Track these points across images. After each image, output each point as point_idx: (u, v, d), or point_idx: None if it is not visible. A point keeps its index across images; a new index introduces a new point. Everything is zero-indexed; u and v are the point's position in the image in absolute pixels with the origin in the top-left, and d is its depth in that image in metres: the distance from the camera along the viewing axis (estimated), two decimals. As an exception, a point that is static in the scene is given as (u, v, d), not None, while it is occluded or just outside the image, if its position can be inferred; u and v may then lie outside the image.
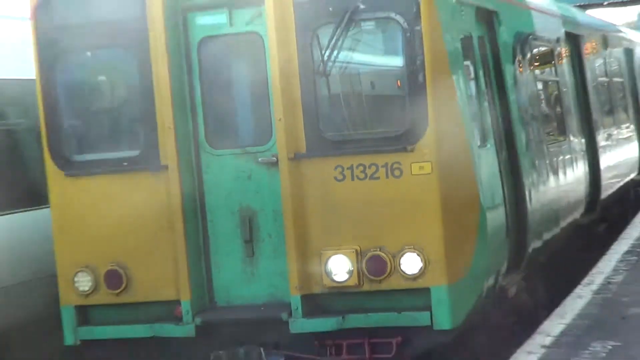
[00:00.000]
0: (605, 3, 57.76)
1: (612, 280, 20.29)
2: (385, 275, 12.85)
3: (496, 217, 15.23)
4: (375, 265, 12.86)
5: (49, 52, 14.15)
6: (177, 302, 13.48)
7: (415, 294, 12.95)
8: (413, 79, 13.05)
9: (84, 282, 13.75)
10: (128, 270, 13.66)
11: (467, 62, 15.01)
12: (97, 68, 14.78)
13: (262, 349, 13.14)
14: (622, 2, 52.78)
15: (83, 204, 13.97)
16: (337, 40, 13.01)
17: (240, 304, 13.75)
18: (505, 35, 17.28)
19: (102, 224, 13.83)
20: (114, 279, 13.66)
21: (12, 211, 16.70)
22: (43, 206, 14.99)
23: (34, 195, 15.94)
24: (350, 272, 12.91)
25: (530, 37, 19.53)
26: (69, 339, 14.01)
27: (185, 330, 13.41)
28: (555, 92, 21.43)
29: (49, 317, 14.85)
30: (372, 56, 14.46)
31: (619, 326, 16.17)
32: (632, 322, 16.46)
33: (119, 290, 13.65)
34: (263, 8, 13.17)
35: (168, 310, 13.63)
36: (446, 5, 14.06)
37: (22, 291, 16.14)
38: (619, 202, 28.60)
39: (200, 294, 13.71)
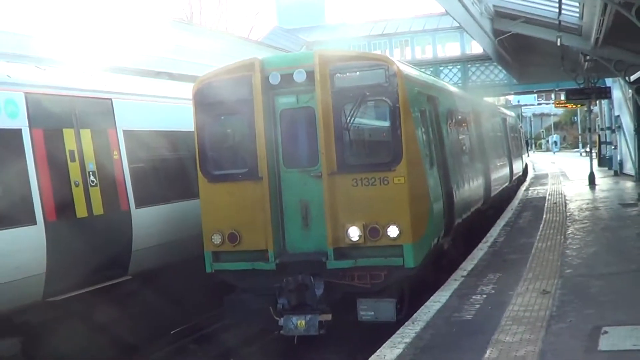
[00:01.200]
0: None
1: (498, 240, 22.95)
2: (379, 237, 15.36)
3: (438, 206, 17.45)
4: (373, 232, 15.38)
5: (201, 116, 16.56)
6: (266, 250, 15.91)
7: (394, 248, 15.37)
8: (394, 132, 15.53)
9: (216, 238, 16.25)
10: (240, 233, 16.11)
11: (422, 123, 17.17)
12: (226, 124, 17.01)
13: (311, 277, 15.56)
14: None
15: (217, 197, 16.42)
16: (354, 111, 15.49)
17: (300, 251, 16.02)
18: (441, 108, 19.54)
19: (227, 208, 16.30)
20: (233, 237, 16.17)
21: (185, 199, 19.22)
22: (197, 198, 17.02)
23: (194, 192, 17.46)
24: (360, 236, 15.41)
25: (454, 110, 22.08)
26: (208, 269, 16.52)
27: (270, 265, 15.87)
28: (467, 139, 24.00)
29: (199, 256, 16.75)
30: (372, 120, 16.53)
31: (502, 265, 18.73)
32: (509, 262, 18.91)
33: (235, 244, 16.18)
34: (314, 94, 15.63)
35: (261, 255, 15.99)
36: (412, 93, 16.36)
37: (187, 242, 18.38)
38: (500, 198, 31.89)
39: (278, 246, 15.97)
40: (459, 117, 23.33)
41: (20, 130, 15.08)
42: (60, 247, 15.42)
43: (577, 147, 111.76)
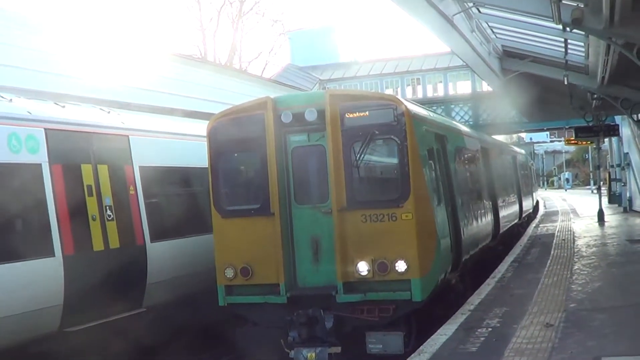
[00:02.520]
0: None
1: (506, 275, 22.95)
2: (387, 272, 15.56)
3: (445, 242, 17.48)
4: (382, 266, 15.58)
5: (215, 153, 16.81)
6: (277, 284, 16.04)
7: (402, 283, 15.55)
8: (402, 170, 15.79)
9: (229, 272, 16.46)
10: (252, 267, 16.31)
11: (430, 161, 17.33)
12: (240, 161, 17.41)
13: (321, 310, 15.72)
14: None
15: (230, 232, 16.63)
16: (363, 150, 15.75)
17: (310, 285, 16.23)
18: (450, 146, 19.64)
19: (239, 243, 16.52)
20: (245, 271, 16.37)
21: (199, 234, 19.46)
22: (210, 233, 17.11)
23: (207, 226, 17.56)
24: (369, 270, 15.63)
25: (463, 148, 22.25)
26: (221, 302, 16.62)
27: (281, 299, 15.98)
28: (476, 176, 24.17)
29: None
30: (381, 157, 16.69)
31: (508, 299, 18.65)
32: (515, 297, 18.86)
33: (247, 278, 16.37)
34: (325, 133, 15.94)
35: (272, 288, 16.11)
36: (420, 132, 16.51)
37: (202, 274, 18.41)
38: (509, 234, 31.89)
39: (289, 280, 16.15)
40: (468, 154, 23.52)
41: (40, 165, 15.52)
42: (78, 279, 15.78)
43: (589, 185, 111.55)
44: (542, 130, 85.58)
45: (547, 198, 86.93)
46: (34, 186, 15.37)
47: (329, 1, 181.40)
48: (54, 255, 15.39)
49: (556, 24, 19.14)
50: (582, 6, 18.04)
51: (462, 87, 68.00)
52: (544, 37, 27.46)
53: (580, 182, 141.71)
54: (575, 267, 23.96)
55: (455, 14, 22.95)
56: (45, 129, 15.84)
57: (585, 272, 22.74)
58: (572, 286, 20.18)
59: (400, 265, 15.60)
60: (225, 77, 38.18)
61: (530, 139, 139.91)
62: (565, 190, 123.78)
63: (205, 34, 77.67)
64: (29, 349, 15.05)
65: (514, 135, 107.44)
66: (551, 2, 17.20)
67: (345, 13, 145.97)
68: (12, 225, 15.14)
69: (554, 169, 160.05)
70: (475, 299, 19.09)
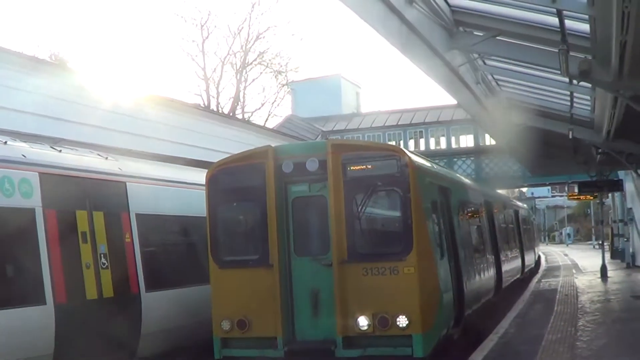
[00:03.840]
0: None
1: (509, 331, 22.47)
2: (388, 327, 15.14)
3: (447, 296, 17.31)
4: (382, 321, 15.18)
5: (214, 201, 16.70)
6: (275, 338, 15.73)
7: (404, 338, 15.13)
8: (405, 222, 15.56)
9: (225, 324, 16.13)
10: (249, 319, 15.96)
11: (434, 214, 17.14)
12: (239, 210, 17.23)
13: (320, 366, 15.44)
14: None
15: (227, 283, 16.38)
16: (365, 201, 15.58)
17: (309, 339, 15.84)
18: (453, 200, 19.44)
19: (236, 294, 16.24)
20: (242, 324, 16.02)
21: (195, 284, 18.92)
22: (207, 283, 16.90)
23: (204, 277, 17.23)
24: (369, 325, 15.23)
25: (466, 201, 22.19)
26: (217, 355, 16.31)
27: (279, 353, 15.67)
28: (479, 230, 24.07)
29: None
30: (383, 209, 16.58)
31: (512, 356, 18.48)
32: (520, 354, 18.68)
33: (244, 330, 16.02)
34: (326, 183, 15.73)
35: (270, 342, 15.80)
36: (424, 184, 16.32)
37: (198, 326, 18.07)
38: (511, 289, 31.57)
39: (287, 333, 15.80)
40: (471, 208, 23.40)
41: (33, 209, 15.22)
42: (69, 328, 15.38)
43: (591, 240, 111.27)
44: (544, 184, 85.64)
45: (549, 253, 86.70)
46: (27, 231, 15.04)
47: (333, 52, 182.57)
48: (45, 303, 14.98)
49: (563, 76, 19.00)
50: (590, 58, 17.88)
51: (465, 140, 67.92)
52: (549, 90, 27.35)
53: (581, 237, 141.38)
54: (580, 324, 23.59)
55: (461, 65, 22.81)
56: (39, 173, 15.55)
57: (590, 329, 22.38)
58: (577, 343, 19.86)
59: (402, 320, 15.21)
60: (228, 126, 38.20)
61: (532, 193, 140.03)
62: (567, 245, 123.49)
63: (208, 83, 77.85)
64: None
65: (515, 190, 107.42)
66: (559, 54, 16.98)
67: (350, 64, 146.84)
68: (3, 271, 14.70)
69: (556, 223, 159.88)
70: (477, 356, 18.72)
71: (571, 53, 17.20)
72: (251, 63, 79.13)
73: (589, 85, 21.61)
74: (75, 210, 16.49)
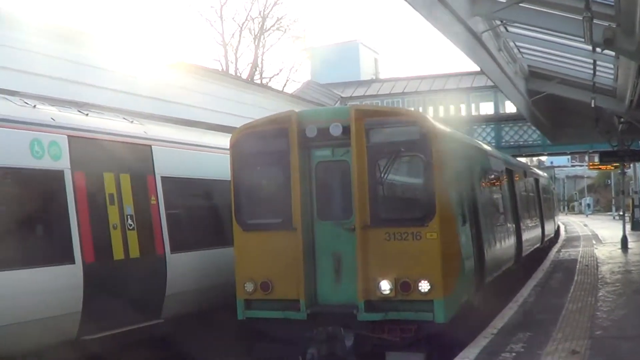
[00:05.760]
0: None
1: (528, 300, 22.67)
2: (410, 292, 15.43)
3: (469, 263, 17.54)
4: (404, 286, 15.47)
5: (238, 165, 16.95)
6: (297, 300, 16.03)
7: (425, 303, 15.39)
8: (427, 188, 15.75)
9: (249, 286, 16.50)
10: (272, 282, 16.33)
11: (456, 181, 17.20)
12: (262, 174, 17.22)
13: (341, 328, 15.58)
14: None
15: (251, 246, 16.71)
16: (388, 167, 15.75)
17: (331, 303, 16.17)
18: (475, 167, 19.97)
19: (260, 257, 16.55)
20: (265, 286, 16.38)
21: (219, 247, 19.34)
22: (230, 246, 17.28)
23: (228, 239, 17.61)
24: (391, 289, 15.49)
25: (487, 168, 22.26)
26: (240, 316, 16.68)
27: (301, 315, 15.95)
28: (500, 198, 24.02)
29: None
30: (406, 175, 16.77)
31: (532, 324, 18.42)
32: (539, 322, 18.66)
33: (267, 292, 16.39)
34: (350, 148, 15.90)
35: (292, 304, 16.08)
36: (446, 151, 16.29)
37: (221, 287, 18.36)
38: (531, 258, 31.63)
39: (310, 296, 16.11)
40: (492, 175, 23.48)
41: (62, 172, 15.60)
42: (97, 288, 15.78)
43: (611, 210, 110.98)
44: (565, 153, 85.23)
45: (568, 223, 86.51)
46: (56, 192, 15.45)
47: (351, 18, 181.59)
48: (74, 263, 15.42)
49: (587, 44, 19.06)
50: (615, 26, 17.97)
51: (485, 108, 67.70)
52: (572, 58, 27.45)
53: (601, 207, 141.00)
54: (600, 294, 23.71)
55: (483, 32, 22.95)
56: (68, 136, 15.93)
57: (611, 299, 22.51)
58: (597, 313, 19.98)
59: (424, 285, 15.47)
60: (248, 91, 38.22)
61: (551, 162, 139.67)
62: (586, 215, 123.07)
63: (227, 49, 77.86)
64: (46, 355, 15.05)
65: (534, 159, 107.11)
66: (583, 22, 17.10)
67: (368, 30, 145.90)
68: (34, 231, 15.21)
69: (575, 193, 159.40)
70: (498, 323, 18.95)
71: (595, 21, 17.18)
72: (269, 29, 79.16)
73: (613, 53, 21.69)
74: (102, 172, 16.80)
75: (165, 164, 18.88)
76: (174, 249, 18.47)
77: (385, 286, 15.67)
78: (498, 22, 23.68)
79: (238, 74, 73.65)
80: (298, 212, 16.21)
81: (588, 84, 29.72)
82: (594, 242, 51.50)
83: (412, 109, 61.83)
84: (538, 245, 35.90)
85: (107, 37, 29.58)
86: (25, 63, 21.87)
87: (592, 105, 29.73)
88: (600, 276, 28.94)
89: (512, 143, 62.57)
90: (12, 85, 18.80)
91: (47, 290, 14.79)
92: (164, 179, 18.66)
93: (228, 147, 17.40)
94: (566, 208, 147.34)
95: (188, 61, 42.07)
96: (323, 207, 16.61)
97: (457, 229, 16.92)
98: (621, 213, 53.48)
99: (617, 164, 48.54)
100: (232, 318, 16.99)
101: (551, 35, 23.71)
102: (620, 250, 41.62)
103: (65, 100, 18.88)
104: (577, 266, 33.62)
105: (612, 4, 17.23)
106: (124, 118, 18.92)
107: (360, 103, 63.52)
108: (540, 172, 48.53)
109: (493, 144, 56.34)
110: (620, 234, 43.67)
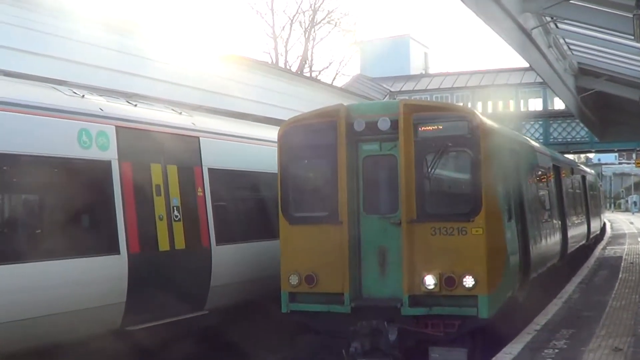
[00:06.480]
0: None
1: (573, 297, 22.37)
2: (454, 287, 15.30)
3: (514, 259, 17.26)
4: (449, 281, 15.32)
5: (285, 158, 16.85)
6: (342, 294, 15.90)
7: (469, 298, 15.29)
8: (474, 184, 15.63)
9: (294, 279, 16.36)
10: (317, 275, 16.21)
11: (503, 176, 16.99)
12: (309, 168, 17.16)
13: (385, 322, 15.42)
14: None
15: (297, 239, 16.60)
16: (435, 162, 15.63)
17: (375, 297, 16.04)
18: (522, 163, 19.68)
19: (305, 250, 16.43)
20: (310, 279, 16.26)
21: (264, 239, 19.40)
22: (276, 239, 17.23)
23: (273, 232, 17.83)
24: (435, 284, 15.35)
25: (535, 165, 22.11)
26: (284, 309, 16.57)
27: (345, 308, 15.84)
28: (547, 195, 23.73)
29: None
30: (453, 170, 16.54)
31: (576, 321, 18.21)
32: (583, 319, 18.43)
33: (312, 285, 16.26)
34: (398, 143, 15.77)
35: (336, 297, 15.97)
36: (494, 146, 16.22)
37: (266, 280, 18.29)
38: (576, 255, 31.26)
39: (355, 290, 15.99)
40: (539, 172, 23.28)
41: (110, 162, 15.62)
42: (141, 278, 15.79)
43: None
44: (612, 151, 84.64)
45: (614, 220, 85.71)
46: (103, 183, 15.46)
47: (402, 12, 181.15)
48: (119, 253, 15.42)
49: (636, 41, 18.74)
50: (665, 23, 17.61)
51: (534, 104, 67.14)
52: (622, 56, 27.02)
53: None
54: (645, 292, 23.34)
55: (534, 28, 22.65)
56: (116, 127, 15.92)
57: (655, 297, 22.13)
58: (641, 311, 19.67)
59: (468, 281, 15.32)
60: (297, 84, 38.14)
61: (599, 160, 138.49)
62: (633, 213, 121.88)
63: (277, 41, 77.91)
64: (91, 345, 14.95)
65: (582, 156, 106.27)
66: (633, 19, 16.79)
67: (419, 24, 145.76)
68: (79, 221, 15.23)
69: (622, 191, 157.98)
70: (541, 319, 18.69)
71: (644, 17, 16.96)
72: (320, 22, 79.12)
73: (662, 51, 21.36)
74: (149, 163, 16.81)
75: (213, 156, 18.81)
76: (219, 241, 18.40)
77: (429, 281, 15.54)
78: (548, 19, 23.36)
79: (288, 67, 73.67)
80: (344, 206, 16.08)
81: (637, 81, 29.31)
82: (639, 239, 50.95)
83: (461, 104, 61.45)
84: (583, 242, 35.55)
85: (157, 28, 29.52)
86: (75, 53, 21.85)
87: (641, 103, 29.36)
88: (645, 274, 28.46)
89: (559, 140, 62.07)
90: (61, 75, 18.78)
91: (92, 280, 14.81)
92: (211, 170, 18.60)
93: (276, 139, 17.29)
94: (613, 205, 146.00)
95: (238, 53, 42.02)
96: (369, 201, 16.44)
97: (503, 225, 16.68)
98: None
99: (664, 162, 48.04)
100: (276, 311, 16.91)
101: (601, 33, 23.36)
102: (666, 249, 41.05)
103: (114, 90, 18.84)
104: (622, 264, 33.16)
105: (663, 1, 16.81)
106: (173, 109, 18.89)
107: (409, 97, 63.26)
108: (587, 169, 48.12)
109: (541, 141, 55.86)
110: (667, 231, 43.21)
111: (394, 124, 15.90)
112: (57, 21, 21.63)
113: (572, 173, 33.90)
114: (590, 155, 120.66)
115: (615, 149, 77.11)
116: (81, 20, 22.39)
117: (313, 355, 16.91)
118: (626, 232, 62.04)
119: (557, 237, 24.90)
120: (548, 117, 63.49)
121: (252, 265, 19.29)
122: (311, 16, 78.15)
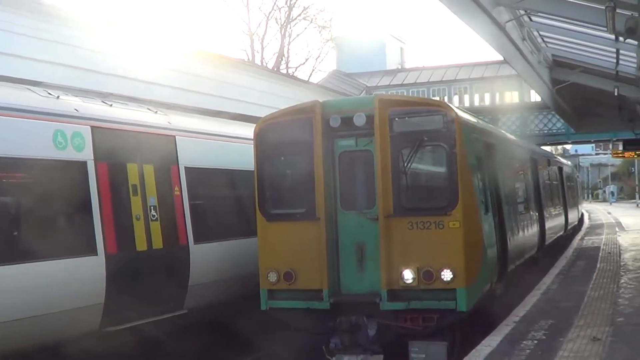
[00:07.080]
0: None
1: (551, 288, 22.54)
2: (432, 280, 15.27)
3: (491, 252, 17.30)
4: (427, 275, 15.28)
5: (261, 155, 16.73)
6: (321, 290, 15.84)
7: (448, 292, 15.26)
8: (451, 177, 15.58)
9: (272, 277, 16.26)
10: (296, 272, 16.12)
11: (479, 169, 17.17)
12: (286, 164, 17.10)
13: (364, 317, 15.52)
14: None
15: (274, 236, 16.50)
16: (412, 156, 15.55)
17: (354, 292, 15.98)
18: (498, 155, 19.41)
19: (283, 247, 16.35)
20: (288, 276, 16.16)
21: (242, 237, 19.30)
22: (254, 236, 17.06)
23: (251, 230, 17.56)
24: (414, 279, 15.31)
25: (511, 157, 22.11)
26: (263, 306, 16.46)
27: (324, 305, 15.78)
28: (523, 187, 23.91)
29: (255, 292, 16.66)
30: (429, 164, 16.50)
31: (554, 311, 18.29)
32: (561, 309, 18.52)
33: (290, 282, 16.17)
34: (373, 138, 15.72)
35: (315, 294, 15.90)
36: (469, 139, 16.35)
37: (244, 278, 18.13)
38: (554, 246, 31.57)
39: (333, 286, 15.93)
40: (516, 164, 23.34)
41: (85, 162, 15.48)
42: (119, 279, 15.65)
43: (634, 198, 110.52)
44: (589, 142, 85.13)
45: (592, 211, 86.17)
46: (79, 183, 15.32)
47: (378, 8, 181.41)
48: (96, 254, 15.29)
49: (609, 33, 18.89)
50: (637, 15, 17.71)
51: (510, 97, 67.41)
52: (595, 47, 27.19)
53: (625, 195, 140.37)
54: (622, 281, 23.49)
55: (507, 22, 22.71)
56: (91, 127, 15.79)
57: (633, 286, 22.26)
58: (619, 300, 19.79)
59: (446, 274, 15.31)
60: (272, 81, 38.10)
61: (576, 151, 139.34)
62: (610, 203, 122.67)
63: (253, 38, 77.72)
64: (69, 347, 14.88)
65: (559, 147, 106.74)
66: (606, 11, 16.87)
67: (394, 20, 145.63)
68: (56, 222, 15.07)
69: (599, 181, 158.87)
70: (520, 311, 18.77)
71: (618, 10, 17.06)
72: (295, 18, 78.82)
73: (636, 42, 21.43)
74: (126, 163, 16.66)
75: (189, 155, 18.73)
76: (197, 240, 18.32)
77: (408, 275, 15.51)
78: (522, 12, 23.43)
79: (264, 64, 73.47)
80: (322, 202, 16.02)
81: (611, 72, 29.50)
82: (617, 229, 51.29)
83: (438, 98, 61.53)
84: (561, 233, 35.77)
85: (132, 27, 29.35)
86: (49, 53, 21.81)
87: (616, 94, 29.58)
88: (622, 263, 28.75)
89: (536, 132, 62.38)
90: (35, 76, 18.49)
91: (70, 282, 14.67)
92: (187, 169, 18.52)
93: (252, 137, 17.20)
94: (590, 196, 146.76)
95: (212, 50, 41.91)
96: (346, 197, 16.39)
97: (480, 218, 16.70)
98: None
99: (640, 152, 48.28)
100: (255, 308, 16.82)
101: (574, 25, 23.46)
102: (643, 238, 41.27)
103: (89, 90, 18.65)
104: (600, 254, 33.40)
105: (635, -7, 16.96)
106: (148, 109, 18.76)
107: (386, 93, 63.35)
108: (563, 161, 48.34)
109: (517, 133, 56.06)
110: (643, 221, 43.45)
111: (370, 119, 15.85)
112: (30, 21, 21.59)
113: (549, 165, 34.03)
114: (568, 147, 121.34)
115: (592, 140, 77.57)
116: (54, 19, 22.40)
117: (294, 352, 16.61)
118: (604, 222, 62.39)
119: (534, 229, 25.00)
120: (524, 109, 63.70)
121: (231, 263, 19.22)
122: (287, 13, 77.92)
